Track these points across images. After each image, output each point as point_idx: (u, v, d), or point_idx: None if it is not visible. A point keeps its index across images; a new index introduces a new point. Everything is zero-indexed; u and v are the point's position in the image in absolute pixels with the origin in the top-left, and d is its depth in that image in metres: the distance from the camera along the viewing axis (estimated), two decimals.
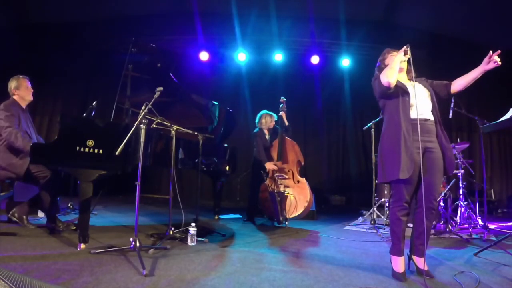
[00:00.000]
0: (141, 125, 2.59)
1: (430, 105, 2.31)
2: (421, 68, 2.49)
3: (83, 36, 6.97)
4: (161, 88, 2.76)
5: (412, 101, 2.23)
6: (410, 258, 2.34)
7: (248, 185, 5.21)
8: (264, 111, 4.73)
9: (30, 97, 3.43)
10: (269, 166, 4.45)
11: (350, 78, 7.36)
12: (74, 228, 3.29)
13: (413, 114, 2.22)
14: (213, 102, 4.44)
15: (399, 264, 2.22)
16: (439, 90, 2.39)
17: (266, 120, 4.65)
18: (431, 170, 2.22)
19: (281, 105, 4.64)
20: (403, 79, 2.40)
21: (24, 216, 3.40)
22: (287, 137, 4.54)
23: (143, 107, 2.69)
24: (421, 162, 2.16)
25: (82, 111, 5.64)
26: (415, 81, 2.35)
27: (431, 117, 2.27)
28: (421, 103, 2.24)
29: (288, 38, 7.10)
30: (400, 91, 2.27)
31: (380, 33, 6.84)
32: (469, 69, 2.27)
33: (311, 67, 7.33)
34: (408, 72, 2.43)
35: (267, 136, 4.70)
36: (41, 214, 3.94)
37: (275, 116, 4.70)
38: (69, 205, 4.58)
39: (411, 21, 6.67)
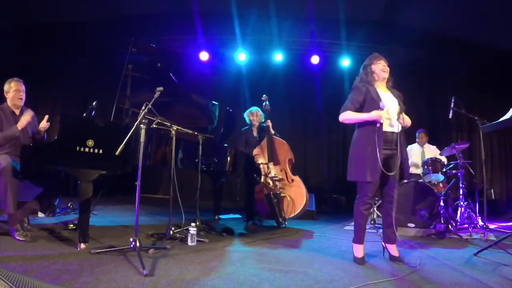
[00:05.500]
0: (141, 125, 2.59)
1: (397, 117, 2.58)
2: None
3: (83, 36, 6.97)
4: (161, 88, 2.77)
5: (386, 115, 2.51)
6: (384, 247, 2.72)
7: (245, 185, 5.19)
8: (250, 109, 4.76)
9: (16, 102, 3.21)
10: (256, 150, 4.44)
11: (350, 78, 7.33)
12: (74, 228, 3.28)
13: (384, 127, 2.53)
14: (213, 102, 4.44)
15: (359, 250, 2.61)
16: None
17: (252, 118, 4.69)
18: (393, 170, 2.57)
19: (264, 103, 4.50)
20: (382, 87, 2.65)
21: (21, 224, 3.11)
22: (275, 137, 4.47)
23: (143, 107, 2.69)
24: (384, 165, 2.51)
25: (82, 111, 5.63)
26: (391, 91, 2.68)
27: (397, 130, 2.59)
28: (393, 116, 2.56)
29: (288, 38, 7.08)
30: (376, 106, 2.49)
31: (380, 33, 6.83)
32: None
33: (311, 67, 7.31)
34: (388, 80, 2.69)
35: (255, 133, 4.71)
36: (41, 214, 3.94)
37: (260, 111, 4.67)
38: (69, 205, 4.58)
39: (411, 21, 6.66)
